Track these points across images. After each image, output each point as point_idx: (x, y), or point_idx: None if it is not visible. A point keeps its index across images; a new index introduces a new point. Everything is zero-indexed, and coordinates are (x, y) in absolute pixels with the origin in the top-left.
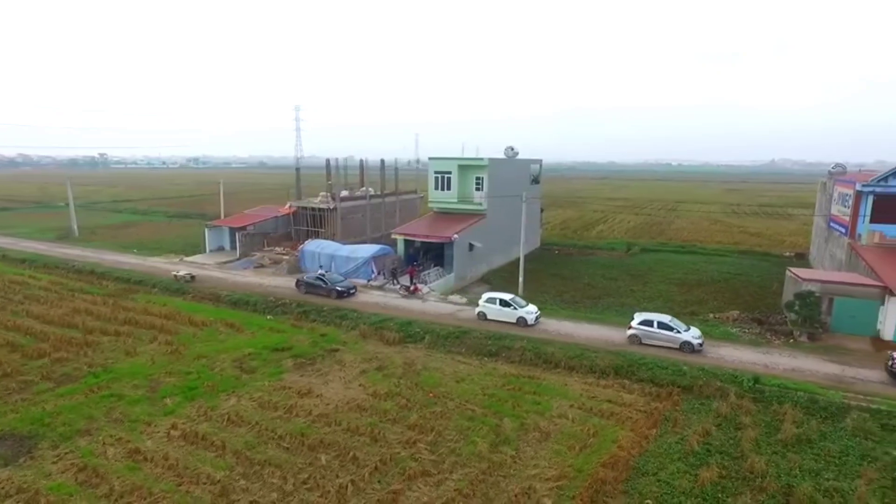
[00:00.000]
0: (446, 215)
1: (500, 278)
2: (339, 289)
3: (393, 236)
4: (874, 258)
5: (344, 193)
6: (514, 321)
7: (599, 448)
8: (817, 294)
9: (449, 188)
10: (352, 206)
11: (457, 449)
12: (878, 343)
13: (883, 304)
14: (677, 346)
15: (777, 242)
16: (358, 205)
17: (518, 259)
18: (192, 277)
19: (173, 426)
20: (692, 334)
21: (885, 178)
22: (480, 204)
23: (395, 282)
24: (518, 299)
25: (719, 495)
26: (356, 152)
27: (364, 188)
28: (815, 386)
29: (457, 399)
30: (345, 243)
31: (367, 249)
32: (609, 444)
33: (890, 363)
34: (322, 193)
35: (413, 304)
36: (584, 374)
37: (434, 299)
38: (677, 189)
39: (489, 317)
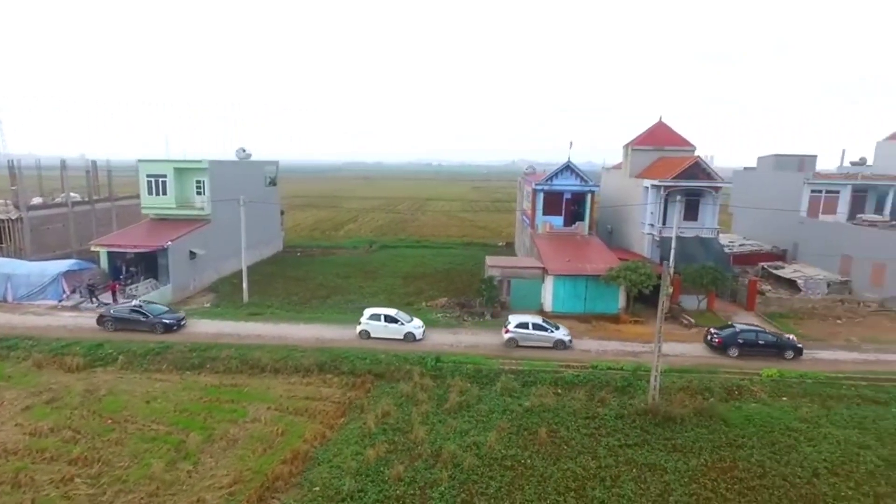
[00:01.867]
0: (164, 222)
1: (230, 285)
2: (166, 321)
3: (93, 248)
4: (543, 245)
5: (36, 200)
6: (402, 337)
7: (284, 445)
8: (499, 278)
9: (165, 192)
10: (46, 216)
11: (124, 476)
12: (543, 314)
13: (543, 282)
14: (551, 345)
15: (497, 234)
16: (56, 213)
17: (259, 262)
18: None
19: None
20: (562, 332)
21: (551, 179)
22: (202, 208)
23: (93, 300)
24: (403, 314)
25: (381, 468)
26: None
27: (65, 194)
28: (483, 357)
29: (141, 421)
30: (35, 259)
31: (57, 266)
32: (295, 440)
33: (708, 337)
34: (0, 201)
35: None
36: (289, 375)
37: None
38: (431, 187)
39: (373, 335)
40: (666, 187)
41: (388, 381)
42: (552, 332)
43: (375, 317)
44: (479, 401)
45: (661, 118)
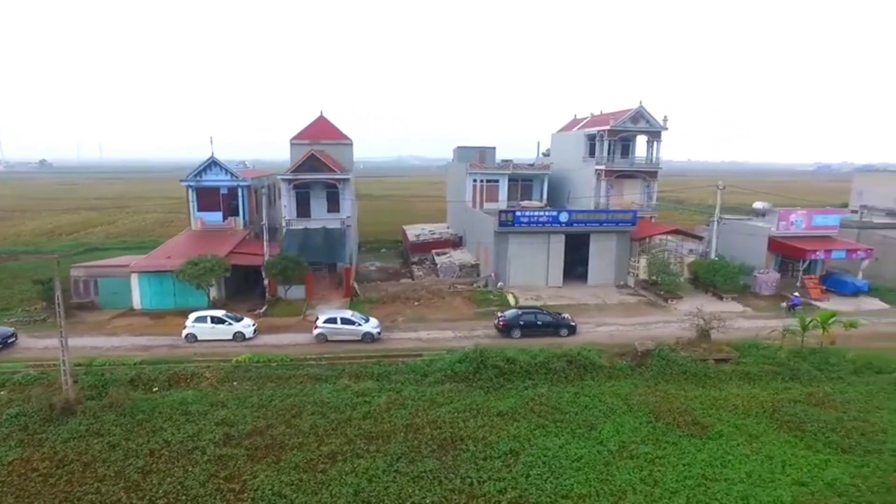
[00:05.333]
0: None
1: None
2: None
3: None
4: (172, 242)
5: None
6: (231, 337)
7: None
8: (84, 278)
9: None
10: None
11: None
12: (131, 312)
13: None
14: (360, 338)
15: None
16: None
17: None
18: None
19: None
20: (371, 325)
21: (199, 174)
22: None
23: None
24: (230, 314)
25: None
26: None
27: None
28: None
29: None
30: None
31: None
32: None
33: (496, 321)
34: None
35: None
36: None
37: None
38: None
39: (200, 337)
40: (290, 180)
41: None
42: (360, 325)
43: (201, 319)
44: None
45: (321, 113)
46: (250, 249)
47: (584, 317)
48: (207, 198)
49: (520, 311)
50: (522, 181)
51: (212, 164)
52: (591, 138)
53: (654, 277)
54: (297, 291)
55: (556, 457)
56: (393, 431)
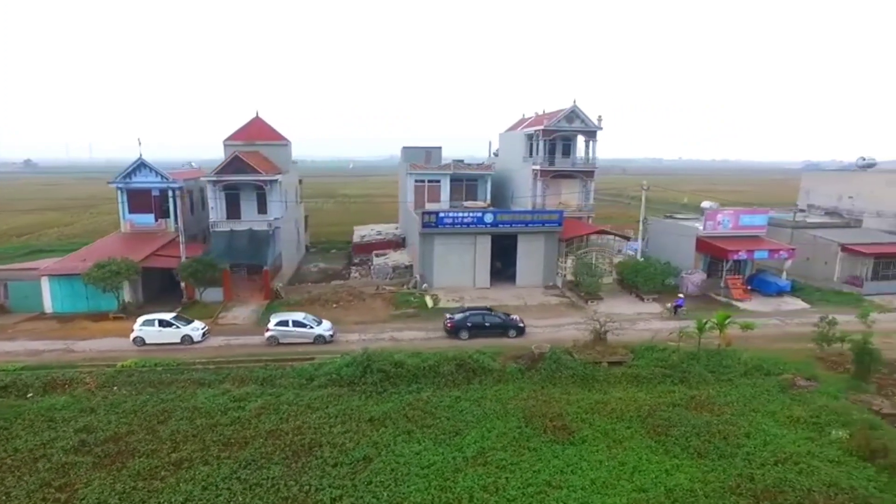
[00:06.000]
0: None
1: None
2: None
3: None
4: (99, 244)
5: None
6: (179, 341)
7: None
8: None
9: None
10: None
11: None
12: (42, 316)
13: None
14: (312, 340)
15: None
16: None
17: None
18: None
19: None
20: (324, 328)
21: (128, 175)
22: None
23: None
24: (180, 317)
25: None
26: None
27: None
28: None
29: None
30: None
31: None
32: None
33: (445, 322)
34: None
35: None
36: None
37: None
38: None
39: (148, 341)
40: (215, 182)
41: None
42: (312, 327)
43: (149, 322)
44: None
45: (257, 113)
46: (176, 252)
47: None
48: (138, 199)
49: (467, 313)
50: (468, 181)
51: (140, 165)
52: (531, 138)
53: (577, 278)
54: (216, 294)
55: (407, 464)
56: (254, 437)
